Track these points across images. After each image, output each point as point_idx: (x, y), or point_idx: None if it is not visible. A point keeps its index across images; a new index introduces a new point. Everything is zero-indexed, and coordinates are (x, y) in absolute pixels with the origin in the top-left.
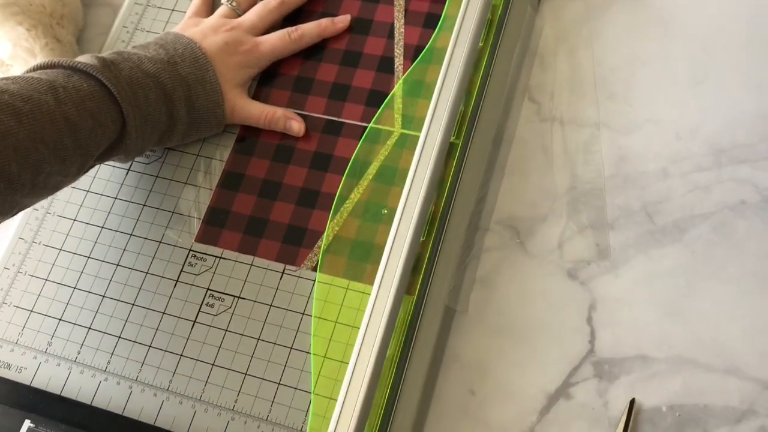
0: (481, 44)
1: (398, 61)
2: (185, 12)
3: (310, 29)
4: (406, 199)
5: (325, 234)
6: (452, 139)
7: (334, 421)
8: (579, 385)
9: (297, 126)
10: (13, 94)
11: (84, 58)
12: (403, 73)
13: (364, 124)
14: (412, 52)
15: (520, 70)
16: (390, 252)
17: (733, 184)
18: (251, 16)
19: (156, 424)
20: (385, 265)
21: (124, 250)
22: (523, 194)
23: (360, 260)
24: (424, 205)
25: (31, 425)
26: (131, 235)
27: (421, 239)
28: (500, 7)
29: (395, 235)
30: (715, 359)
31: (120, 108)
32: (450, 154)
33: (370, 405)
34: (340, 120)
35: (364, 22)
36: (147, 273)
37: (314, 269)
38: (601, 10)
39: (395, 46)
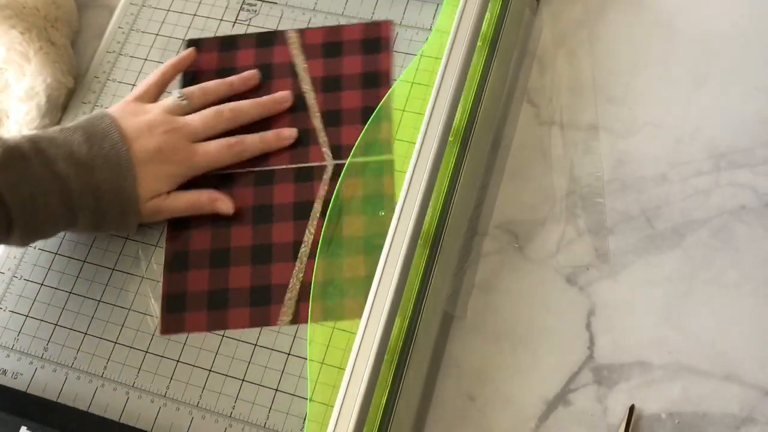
0: (479, 45)
1: (311, 96)
2: (180, 12)
3: (253, 144)
4: (404, 202)
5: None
6: (450, 140)
7: (331, 428)
8: (578, 392)
9: (225, 206)
10: None
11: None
12: (318, 107)
13: (293, 166)
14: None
15: (519, 73)
16: (387, 256)
17: (732, 188)
18: (197, 121)
19: (153, 431)
20: (383, 269)
21: (120, 254)
22: (521, 198)
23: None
24: (421, 209)
25: None
26: (126, 239)
27: (419, 243)
28: (498, 9)
29: (392, 239)
30: (714, 366)
31: (7, 212)
32: (447, 157)
33: (367, 411)
34: (268, 168)
35: (264, 66)
36: (143, 278)
37: (292, 322)
38: (601, 13)
39: (302, 83)
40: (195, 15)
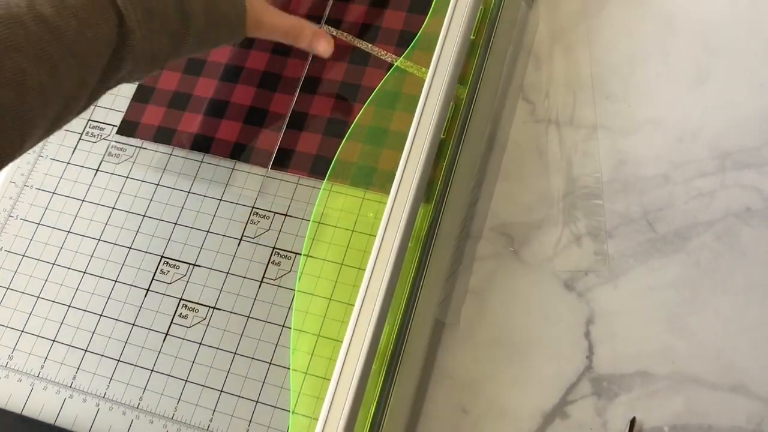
0: (472, 38)
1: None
2: None
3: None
4: (393, 202)
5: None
6: (442, 138)
7: None
8: (576, 404)
9: (325, 46)
10: None
11: None
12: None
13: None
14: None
15: (514, 69)
16: (376, 258)
17: (737, 190)
18: None
19: None
20: (371, 273)
21: (92, 256)
22: (517, 199)
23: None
24: (412, 209)
25: None
26: (99, 240)
27: (409, 245)
28: (492, 2)
29: (382, 240)
30: (720, 376)
31: (113, 3)
32: (440, 155)
33: (353, 425)
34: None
35: None
36: (116, 281)
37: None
38: (599, 6)
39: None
40: None
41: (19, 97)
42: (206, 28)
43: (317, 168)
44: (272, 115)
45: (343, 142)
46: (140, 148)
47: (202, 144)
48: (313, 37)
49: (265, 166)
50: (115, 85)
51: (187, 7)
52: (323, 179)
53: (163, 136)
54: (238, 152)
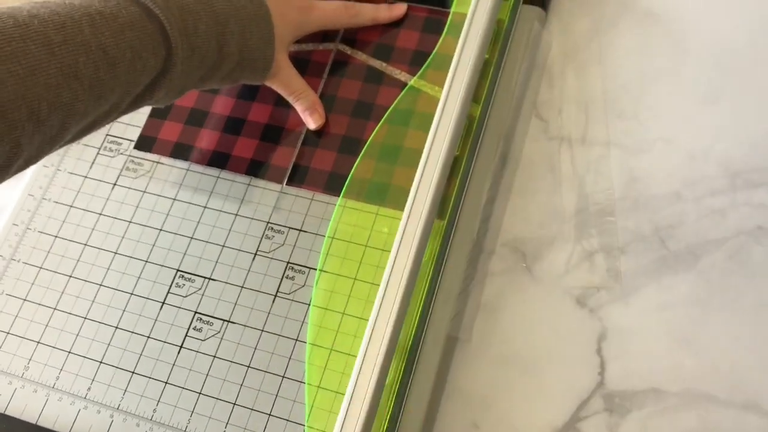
0: (486, 57)
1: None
2: None
3: (366, 10)
4: (407, 218)
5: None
6: (456, 154)
7: None
8: (588, 420)
9: (316, 118)
10: (44, 21)
11: None
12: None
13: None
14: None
15: (527, 87)
16: (390, 274)
17: (749, 208)
18: None
19: None
20: (385, 288)
21: (108, 269)
22: (529, 216)
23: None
24: (426, 225)
25: None
26: (116, 253)
27: (423, 261)
28: (506, 21)
29: (396, 255)
30: (732, 394)
31: (165, 38)
32: (454, 172)
33: None
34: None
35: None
36: (132, 294)
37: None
38: (611, 26)
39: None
40: None
41: (65, 121)
42: (235, 68)
43: (332, 185)
44: (287, 132)
45: (358, 160)
46: (157, 163)
47: (218, 160)
48: (310, 107)
49: (280, 182)
50: (140, 107)
51: (224, 47)
52: (337, 196)
53: (180, 151)
54: (253, 169)
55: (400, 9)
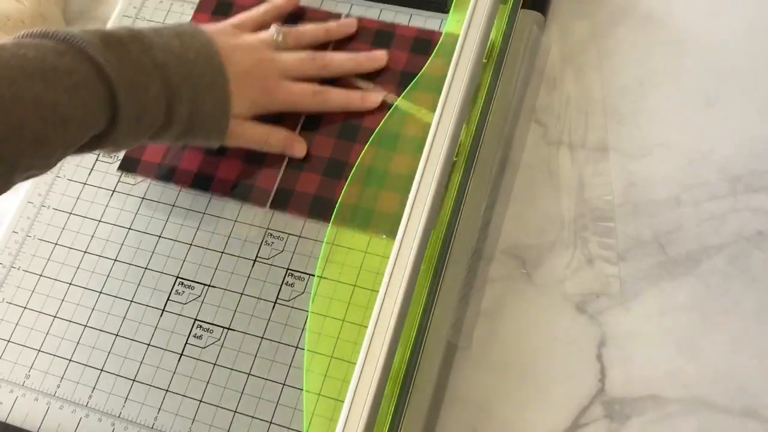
0: (484, 62)
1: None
2: None
3: (338, 98)
4: (407, 224)
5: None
6: (454, 160)
7: None
8: (588, 427)
9: (299, 149)
10: None
11: (85, 32)
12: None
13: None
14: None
15: (526, 91)
16: (388, 283)
17: (748, 213)
18: (291, 60)
19: None
20: (383, 296)
21: (108, 276)
22: (529, 221)
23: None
24: (425, 231)
25: None
26: (115, 260)
27: (422, 268)
28: (504, 25)
29: (395, 263)
30: (732, 400)
31: (113, 98)
32: (452, 177)
33: None
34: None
35: None
36: (131, 301)
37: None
38: (610, 30)
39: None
40: None
41: (6, 175)
42: (185, 132)
43: (316, 209)
44: (272, 154)
45: (346, 185)
46: None
47: (202, 183)
48: (286, 142)
49: (264, 206)
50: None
51: (173, 113)
52: (321, 220)
53: (165, 174)
54: (237, 191)
55: (374, 100)
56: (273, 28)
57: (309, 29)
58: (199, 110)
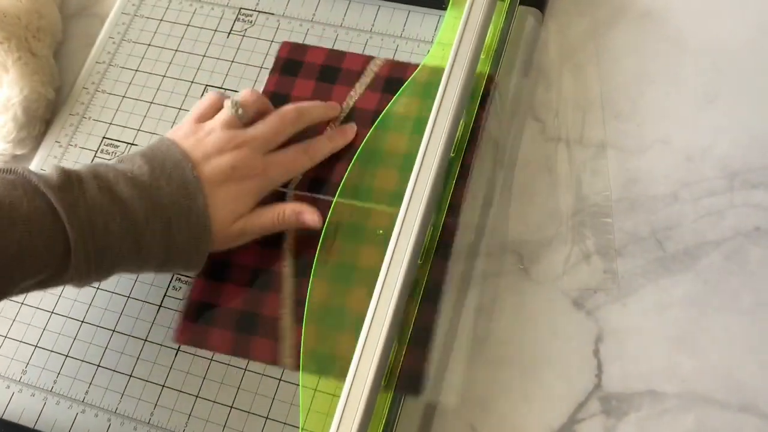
0: (482, 58)
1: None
2: (173, 22)
3: (323, 144)
4: (403, 220)
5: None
6: (451, 156)
7: None
8: (585, 422)
9: (311, 218)
10: None
11: (49, 171)
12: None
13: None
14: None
15: (524, 87)
16: (385, 277)
17: (747, 209)
18: (265, 129)
19: None
20: (381, 289)
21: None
22: (526, 217)
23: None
24: (421, 227)
25: None
26: None
27: (419, 263)
28: (502, 21)
29: (391, 258)
30: (730, 395)
31: (65, 237)
32: (449, 173)
33: None
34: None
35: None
36: (128, 297)
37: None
38: (608, 26)
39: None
40: (188, 25)
41: None
42: (163, 264)
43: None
44: None
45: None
46: None
47: None
48: (299, 216)
49: None
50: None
51: (144, 247)
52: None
53: None
54: None
55: (351, 131)
56: (227, 104)
57: (254, 92)
58: (174, 239)
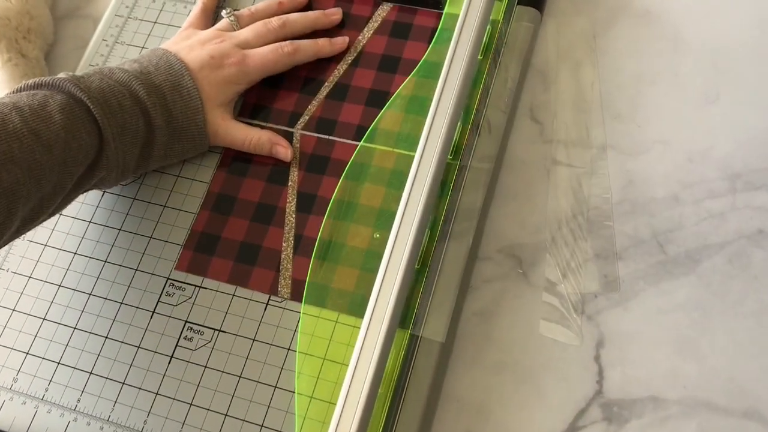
0: (480, 58)
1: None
2: (167, 25)
3: (306, 45)
4: (400, 224)
5: (311, 263)
6: (449, 160)
7: None
8: (586, 429)
9: (283, 151)
10: None
11: (57, 76)
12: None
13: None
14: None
15: (522, 88)
16: (382, 282)
17: (749, 211)
18: (247, 31)
19: None
20: (377, 296)
21: (98, 278)
22: (525, 220)
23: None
24: (418, 231)
25: None
26: (105, 261)
27: (416, 268)
28: (500, 21)
29: (388, 264)
30: (733, 401)
31: (93, 118)
32: (447, 176)
33: None
34: (331, 138)
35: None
36: (121, 303)
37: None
38: (607, 26)
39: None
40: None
41: (9, 206)
42: (170, 140)
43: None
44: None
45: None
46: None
47: None
48: (272, 145)
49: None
50: (87, 191)
51: (151, 120)
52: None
53: None
54: None
55: (342, 42)
56: (224, 13)
57: (260, 6)
58: (171, 112)
